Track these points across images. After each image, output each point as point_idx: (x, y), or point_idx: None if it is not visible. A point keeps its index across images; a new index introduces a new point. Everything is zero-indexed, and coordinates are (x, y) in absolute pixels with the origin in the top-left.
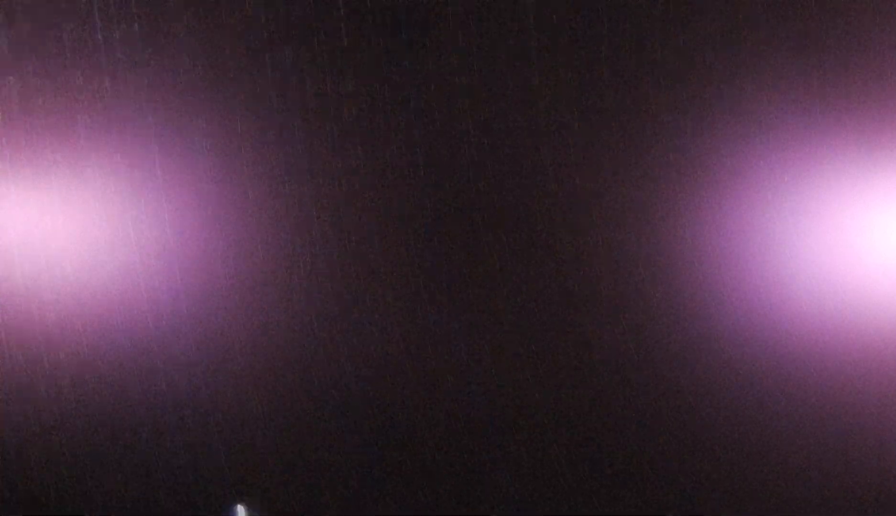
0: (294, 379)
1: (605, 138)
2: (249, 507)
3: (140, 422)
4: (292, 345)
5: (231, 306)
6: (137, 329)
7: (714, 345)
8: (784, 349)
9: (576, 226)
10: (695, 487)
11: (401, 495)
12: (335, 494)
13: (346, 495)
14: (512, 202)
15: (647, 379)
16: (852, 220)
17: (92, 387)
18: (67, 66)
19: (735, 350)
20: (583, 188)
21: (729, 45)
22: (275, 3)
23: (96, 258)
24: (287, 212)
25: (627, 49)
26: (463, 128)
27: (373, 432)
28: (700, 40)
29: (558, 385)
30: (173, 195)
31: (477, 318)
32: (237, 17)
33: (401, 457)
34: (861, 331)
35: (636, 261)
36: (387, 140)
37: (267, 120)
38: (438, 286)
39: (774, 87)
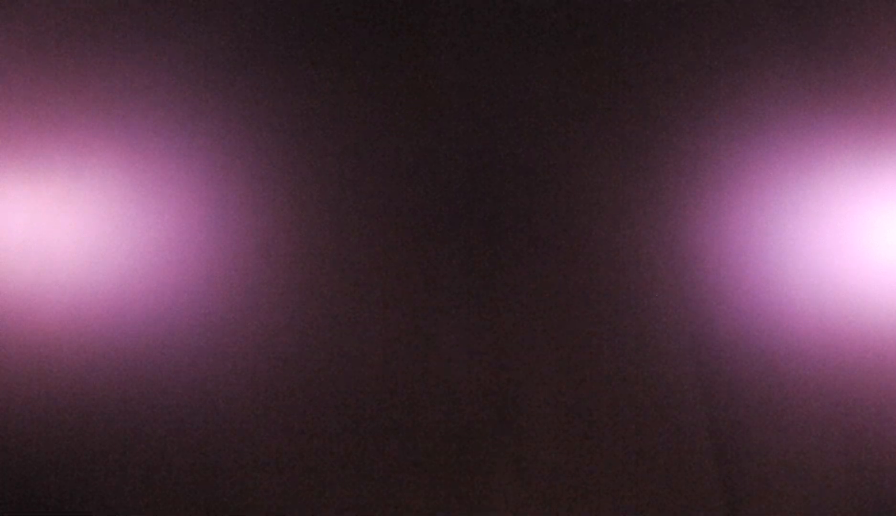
0: (294, 379)
1: (605, 138)
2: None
3: (140, 422)
4: (292, 345)
5: (231, 306)
6: (137, 329)
7: (714, 344)
8: (784, 349)
9: (576, 226)
10: (695, 487)
11: (400, 495)
12: (335, 494)
13: (347, 495)
14: (512, 202)
15: (647, 379)
16: (852, 220)
17: (92, 387)
18: (67, 65)
19: (735, 350)
20: (583, 188)
21: (729, 45)
22: (274, 3)
23: (96, 258)
24: (287, 213)
25: (627, 49)
26: (463, 128)
27: (373, 432)
28: (700, 40)
29: (558, 385)
30: (174, 195)
31: (477, 318)
32: (237, 17)
33: (400, 457)
34: (861, 330)
35: (636, 261)
36: (387, 140)
37: (267, 120)
38: (438, 286)
39: (774, 87)
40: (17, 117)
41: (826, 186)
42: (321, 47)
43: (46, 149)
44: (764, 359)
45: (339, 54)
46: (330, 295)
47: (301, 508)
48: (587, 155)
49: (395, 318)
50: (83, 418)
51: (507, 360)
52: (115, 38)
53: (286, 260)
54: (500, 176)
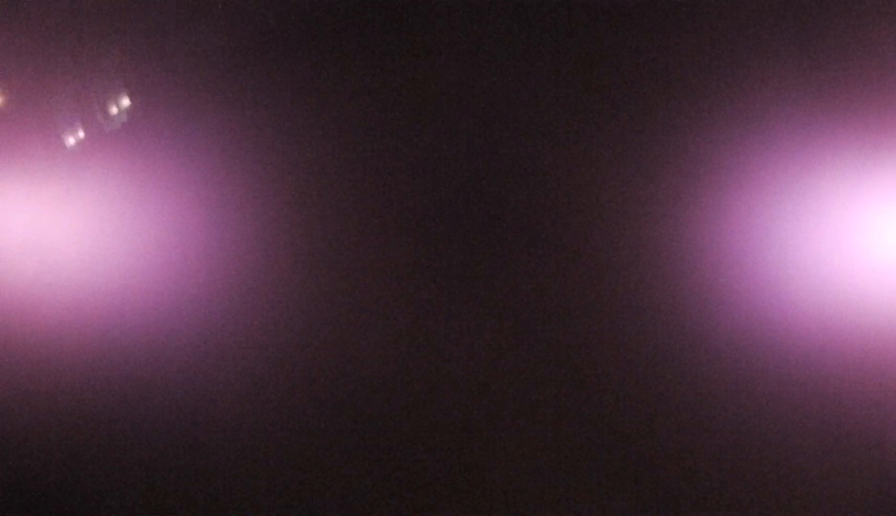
0: (294, 378)
1: (605, 138)
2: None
3: (140, 422)
4: (292, 345)
5: (231, 306)
6: (137, 329)
7: (714, 344)
8: (784, 348)
9: (576, 226)
10: (695, 487)
11: (400, 494)
12: (335, 494)
13: (346, 494)
14: (512, 202)
15: (647, 378)
16: (852, 220)
17: (92, 387)
18: (67, 65)
19: (735, 349)
20: (583, 188)
21: (729, 45)
22: (274, 3)
23: (96, 258)
24: (287, 212)
25: (627, 49)
26: (463, 128)
27: (373, 432)
28: (700, 41)
29: (558, 384)
30: (173, 195)
31: (477, 318)
32: (237, 17)
33: (400, 457)
34: (861, 331)
35: (636, 261)
36: (387, 140)
37: (267, 120)
38: (439, 286)
39: (774, 87)
40: (17, 117)
41: (826, 186)
42: (321, 47)
43: (46, 150)
44: (763, 358)
45: (339, 54)
46: (330, 294)
47: (300, 508)
48: (587, 155)
49: (394, 318)
50: (83, 418)
51: (507, 360)
52: (115, 38)
53: (286, 259)
54: (500, 176)
